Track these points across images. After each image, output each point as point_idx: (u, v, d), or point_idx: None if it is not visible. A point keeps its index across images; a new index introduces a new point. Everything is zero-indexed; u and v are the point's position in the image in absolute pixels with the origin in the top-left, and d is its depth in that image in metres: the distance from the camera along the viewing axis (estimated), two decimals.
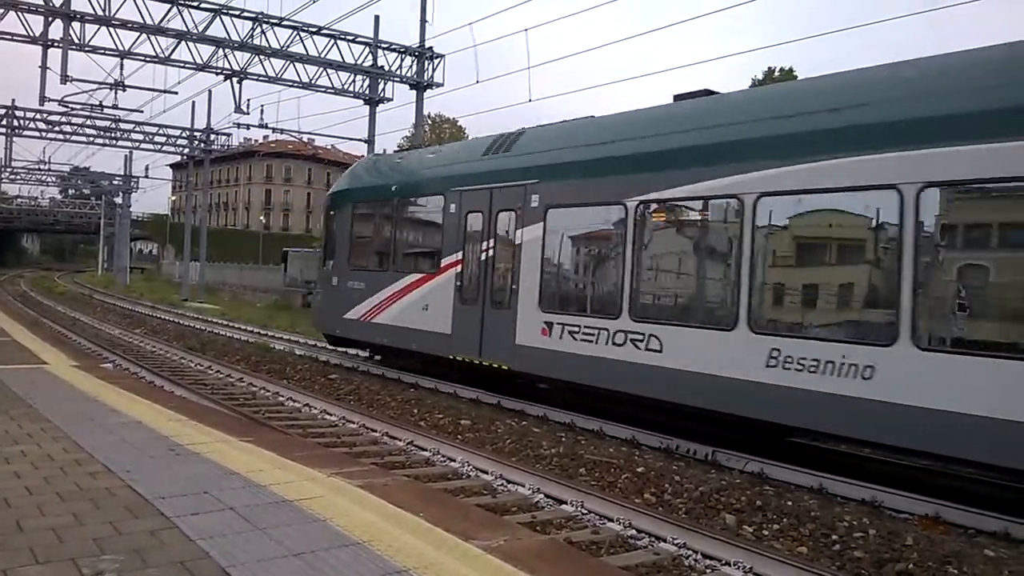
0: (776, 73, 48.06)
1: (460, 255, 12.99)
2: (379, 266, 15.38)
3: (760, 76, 48.92)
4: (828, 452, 9.55)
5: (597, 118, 12.14)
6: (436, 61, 25.54)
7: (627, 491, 7.83)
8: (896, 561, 6.06)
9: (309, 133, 33.89)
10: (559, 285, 11.60)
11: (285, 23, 24.21)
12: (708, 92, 10.64)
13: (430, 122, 72.79)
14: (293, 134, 31.33)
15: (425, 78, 25.53)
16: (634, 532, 6.35)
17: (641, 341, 9.78)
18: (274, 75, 25.45)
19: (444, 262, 13.31)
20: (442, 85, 25.75)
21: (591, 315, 10.68)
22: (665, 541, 6.11)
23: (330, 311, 16.55)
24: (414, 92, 25.87)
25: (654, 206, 10.06)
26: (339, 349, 17.74)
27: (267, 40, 24.35)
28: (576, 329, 10.70)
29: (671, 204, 9.98)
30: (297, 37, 24.52)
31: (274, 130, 30.76)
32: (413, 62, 25.72)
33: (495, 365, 12.21)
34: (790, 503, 7.45)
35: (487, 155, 13.06)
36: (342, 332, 16.19)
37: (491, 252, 12.45)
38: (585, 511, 6.83)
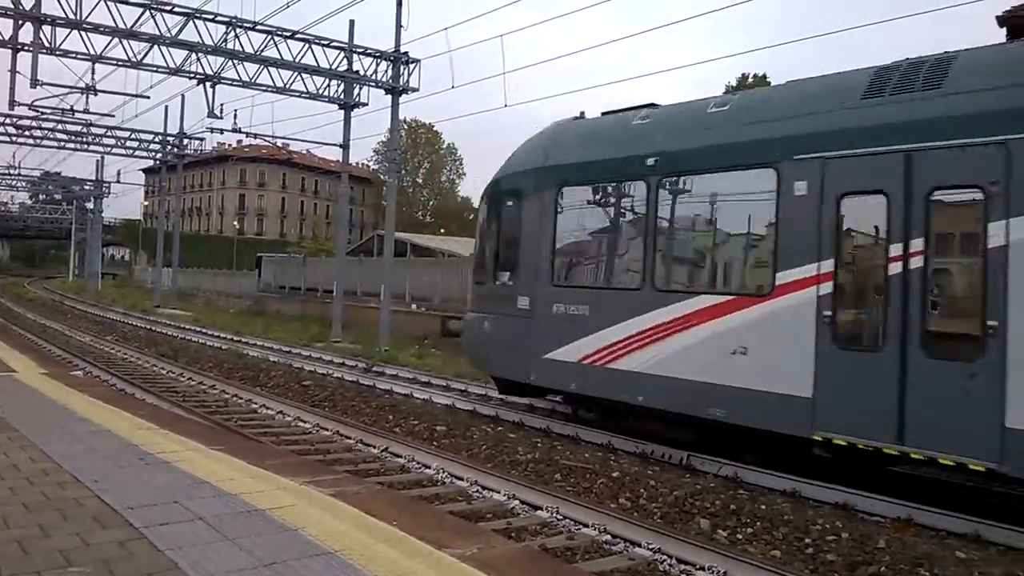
0: (750, 79, 48.84)
1: (829, 266, 8.07)
2: (622, 283, 10.36)
3: (733, 83, 49.60)
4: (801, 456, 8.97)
5: None
6: (412, 66, 25.45)
7: (602, 496, 7.85)
8: (868, 564, 6.12)
9: (284, 138, 33.48)
10: None
11: (259, 27, 23.97)
12: None
13: (406, 127, 72.80)
14: (267, 139, 30.98)
15: (401, 83, 25.45)
16: (609, 537, 6.36)
17: None
18: (248, 79, 25.23)
19: (784, 277, 8.37)
20: (418, 90, 25.66)
21: None
22: (640, 546, 6.13)
23: (513, 347, 11.30)
24: (390, 97, 25.79)
25: None
26: (515, 400, 12.48)
27: (241, 44, 24.10)
28: None
29: None
30: (271, 41, 24.30)
31: (248, 135, 30.38)
32: (388, 67, 25.60)
33: (943, 460, 7.22)
34: (764, 507, 7.51)
35: (873, 98, 8.08)
36: (541, 379, 10.95)
37: (917, 261, 7.47)
38: (560, 517, 6.83)
